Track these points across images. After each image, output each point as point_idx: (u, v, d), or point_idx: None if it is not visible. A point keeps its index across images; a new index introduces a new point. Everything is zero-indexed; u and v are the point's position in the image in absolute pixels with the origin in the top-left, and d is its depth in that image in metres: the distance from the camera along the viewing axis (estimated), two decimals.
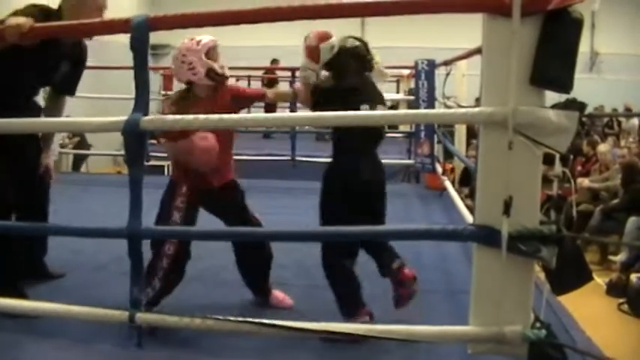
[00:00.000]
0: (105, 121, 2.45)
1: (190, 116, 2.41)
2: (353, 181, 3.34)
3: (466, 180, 8.34)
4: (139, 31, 2.35)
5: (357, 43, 3.51)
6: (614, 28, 17.54)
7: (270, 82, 13.05)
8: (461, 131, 7.79)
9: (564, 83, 2.07)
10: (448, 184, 6.33)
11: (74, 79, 3.80)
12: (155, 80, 12.32)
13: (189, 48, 3.47)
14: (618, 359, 2.16)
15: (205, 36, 3.51)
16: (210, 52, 3.53)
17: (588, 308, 5.28)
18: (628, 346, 5.55)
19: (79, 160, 11.93)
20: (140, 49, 2.38)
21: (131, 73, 2.41)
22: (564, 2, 2.03)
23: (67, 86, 3.81)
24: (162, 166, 9.65)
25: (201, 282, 4.01)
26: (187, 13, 2.40)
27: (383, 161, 3.58)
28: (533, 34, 2.05)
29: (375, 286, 3.85)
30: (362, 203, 3.33)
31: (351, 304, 3.34)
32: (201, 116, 2.38)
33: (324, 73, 3.46)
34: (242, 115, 2.75)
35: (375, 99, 3.38)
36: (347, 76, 3.39)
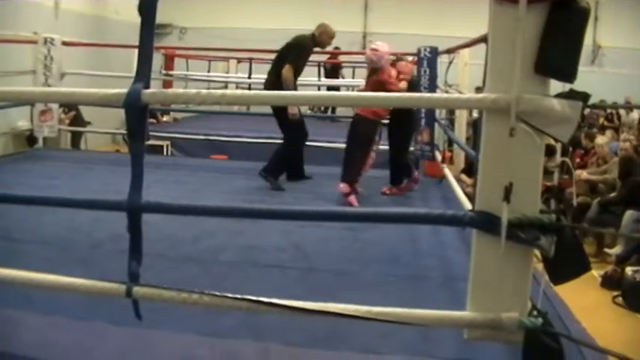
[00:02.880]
0: (106, 92, 2.41)
1: (193, 90, 2.38)
2: None
3: (470, 170, 8.35)
4: None
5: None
6: (618, 21, 17.49)
7: (334, 69, 13.05)
8: (461, 121, 7.79)
9: (568, 72, 2.06)
10: (447, 171, 6.33)
11: None
12: (156, 60, 12.30)
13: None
14: (616, 351, 2.17)
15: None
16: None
17: (583, 300, 5.31)
18: (621, 338, 5.57)
19: (77, 137, 11.90)
20: (147, 14, 2.32)
21: (134, 52, 2.38)
22: None
23: None
24: (162, 147, 9.67)
25: (199, 262, 4.02)
26: None
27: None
28: (539, 22, 2.04)
29: (373, 272, 3.88)
30: None
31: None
32: (204, 91, 2.35)
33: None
34: (244, 91, 2.72)
35: None
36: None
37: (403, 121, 6.28)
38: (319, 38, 6.41)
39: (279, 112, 6.26)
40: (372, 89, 5.52)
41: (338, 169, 5.86)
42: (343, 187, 5.58)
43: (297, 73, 6.30)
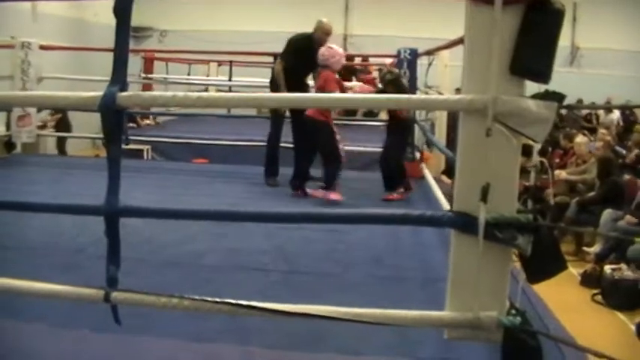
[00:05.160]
0: (81, 96, 2.40)
1: (169, 93, 2.38)
2: None
3: (450, 171, 8.38)
4: None
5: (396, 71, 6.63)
6: (595, 22, 17.66)
7: (349, 72, 12.90)
8: (441, 122, 7.83)
9: (543, 73, 2.08)
10: (427, 172, 6.36)
11: None
12: (135, 63, 12.26)
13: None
14: (593, 349, 2.19)
15: None
16: None
17: (563, 298, 5.35)
18: (601, 336, 5.62)
19: (62, 141, 11.90)
20: (123, 16, 2.31)
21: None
22: None
23: None
24: (142, 151, 9.62)
25: (181, 266, 4.01)
26: None
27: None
28: (514, 24, 2.06)
29: (355, 274, 3.89)
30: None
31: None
32: (180, 93, 2.35)
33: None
34: (221, 94, 2.73)
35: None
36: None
37: (399, 125, 6.39)
38: (315, 35, 6.48)
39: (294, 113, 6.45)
40: (318, 86, 5.91)
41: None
42: (319, 192, 5.69)
43: (295, 70, 6.43)
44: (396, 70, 6.61)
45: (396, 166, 6.28)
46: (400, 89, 6.16)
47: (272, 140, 6.62)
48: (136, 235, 3.96)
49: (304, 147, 6.28)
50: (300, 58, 6.44)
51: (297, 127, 6.38)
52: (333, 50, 6.00)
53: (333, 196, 5.59)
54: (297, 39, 6.62)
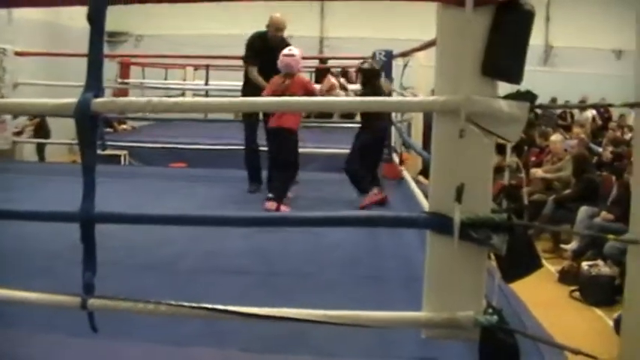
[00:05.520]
0: (55, 102, 2.39)
1: (144, 99, 2.38)
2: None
3: (427, 172, 8.41)
4: (98, 3, 2.27)
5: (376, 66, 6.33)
6: (569, 21, 17.85)
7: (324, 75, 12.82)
8: (417, 123, 7.87)
9: (514, 74, 2.11)
10: (405, 173, 6.39)
11: None
12: (111, 68, 12.20)
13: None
14: (570, 345, 2.21)
15: None
16: None
17: (541, 295, 5.39)
18: (579, 332, 5.68)
19: (42, 147, 11.85)
20: (97, 22, 2.30)
21: None
22: None
23: None
24: (119, 156, 9.57)
25: (159, 270, 4.00)
26: None
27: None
28: (485, 25, 2.08)
29: (333, 275, 3.90)
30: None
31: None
32: (155, 99, 2.35)
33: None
34: (196, 99, 2.73)
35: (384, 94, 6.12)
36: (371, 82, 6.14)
37: (370, 127, 6.18)
38: (269, 32, 6.31)
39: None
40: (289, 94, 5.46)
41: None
42: (270, 205, 5.47)
43: (260, 72, 6.23)
44: (376, 66, 6.37)
45: (354, 171, 5.99)
46: (371, 83, 6.08)
47: (248, 146, 6.46)
48: (113, 239, 3.94)
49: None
50: (261, 59, 6.25)
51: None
52: (297, 57, 5.75)
53: (284, 208, 5.47)
54: (252, 39, 6.43)
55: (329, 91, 5.94)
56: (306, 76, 6.11)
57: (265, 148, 6.11)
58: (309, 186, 6.24)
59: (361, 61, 6.32)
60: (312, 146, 8.22)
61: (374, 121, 6.07)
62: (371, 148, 6.15)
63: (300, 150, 5.94)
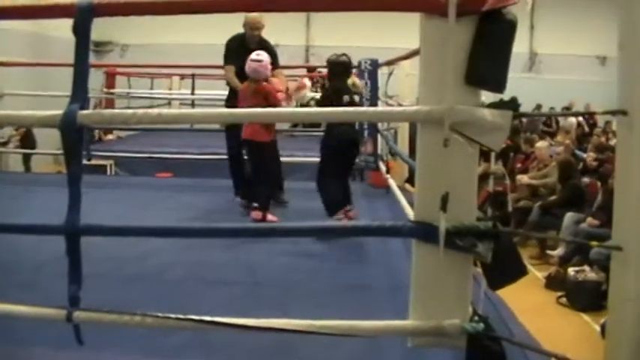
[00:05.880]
0: (41, 115, 2.39)
1: (129, 111, 2.38)
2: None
3: (414, 180, 8.41)
4: (84, 16, 2.29)
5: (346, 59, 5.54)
6: (553, 28, 17.97)
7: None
8: (404, 131, 7.89)
9: (497, 83, 2.12)
10: (392, 181, 6.40)
11: None
12: (97, 78, 12.16)
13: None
14: (557, 350, 2.22)
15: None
16: None
17: (528, 302, 5.42)
18: (566, 338, 5.70)
19: (28, 158, 11.82)
20: (82, 34, 2.32)
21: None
22: (498, 3, 2.08)
23: None
24: (105, 166, 9.54)
25: (145, 281, 3.99)
26: (132, 1, 2.37)
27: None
28: (468, 35, 2.10)
29: (319, 284, 3.89)
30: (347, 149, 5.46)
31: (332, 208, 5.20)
32: (140, 111, 2.35)
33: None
34: (181, 110, 2.73)
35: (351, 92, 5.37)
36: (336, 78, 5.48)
37: (335, 135, 5.42)
38: (246, 33, 6.05)
39: None
40: (256, 101, 5.30)
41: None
42: (256, 214, 5.39)
43: (239, 75, 5.90)
44: (346, 59, 5.56)
45: (321, 187, 5.39)
46: (338, 78, 5.43)
47: (232, 155, 6.30)
48: (98, 250, 3.92)
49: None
50: (239, 60, 5.87)
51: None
52: (265, 62, 5.51)
53: (271, 217, 5.41)
54: (230, 40, 6.20)
55: (298, 89, 5.73)
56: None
57: None
58: (297, 195, 6.23)
59: (331, 54, 5.62)
60: (301, 155, 8.23)
61: (337, 126, 5.30)
62: (336, 158, 5.43)
63: (289, 159, 5.89)
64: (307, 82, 5.91)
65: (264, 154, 5.52)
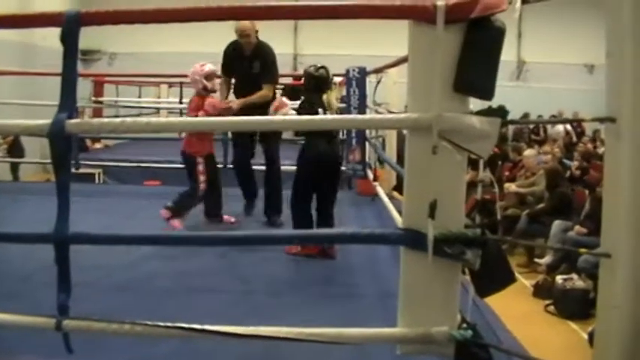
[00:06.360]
0: (29, 124, 2.39)
1: (117, 119, 2.39)
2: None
3: (401, 187, 8.41)
4: (71, 25, 2.30)
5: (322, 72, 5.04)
6: (541, 37, 18.06)
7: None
8: (391, 139, 7.90)
9: (486, 90, 2.13)
10: (380, 189, 6.41)
11: None
12: (85, 86, 12.14)
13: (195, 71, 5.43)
14: (545, 358, 2.23)
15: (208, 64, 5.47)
16: (210, 76, 5.43)
17: (516, 310, 5.43)
18: (554, 345, 5.72)
19: (15, 166, 11.78)
20: (70, 43, 2.32)
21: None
22: (487, 11, 2.09)
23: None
24: (93, 174, 9.51)
25: (133, 290, 3.97)
26: (120, 10, 2.36)
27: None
28: (456, 42, 2.11)
29: (308, 292, 3.89)
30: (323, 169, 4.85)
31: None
32: (129, 119, 2.36)
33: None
34: (169, 119, 2.73)
35: (325, 107, 4.90)
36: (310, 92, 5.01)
37: (314, 150, 4.87)
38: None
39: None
40: (198, 110, 5.29)
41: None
42: (165, 212, 5.31)
43: (237, 79, 5.84)
44: (326, 74, 5.08)
45: (293, 209, 4.95)
46: (317, 92, 4.96)
47: (238, 164, 6.04)
48: (86, 258, 3.91)
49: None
50: (235, 68, 5.76)
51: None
52: (189, 76, 5.48)
53: (176, 224, 5.29)
54: (225, 48, 5.90)
55: (276, 109, 5.29)
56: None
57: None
58: (284, 203, 6.22)
59: (310, 65, 5.17)
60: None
61: (315, 144, 4.81)
62: (312, 182, 4.87)
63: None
64: (286, 100, 5.51)
65: (193, 166, 5.42)
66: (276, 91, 5.85)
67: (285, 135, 7.76)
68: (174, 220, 5.29)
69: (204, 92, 5.42)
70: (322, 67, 5.08)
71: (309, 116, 3.76)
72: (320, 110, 4.81)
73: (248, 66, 5.61)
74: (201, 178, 5.40)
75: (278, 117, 4.50)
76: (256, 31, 5.65)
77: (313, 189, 4.87)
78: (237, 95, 5.78)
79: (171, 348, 3.02)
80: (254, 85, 5.59)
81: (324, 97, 4.93)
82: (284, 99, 5.45)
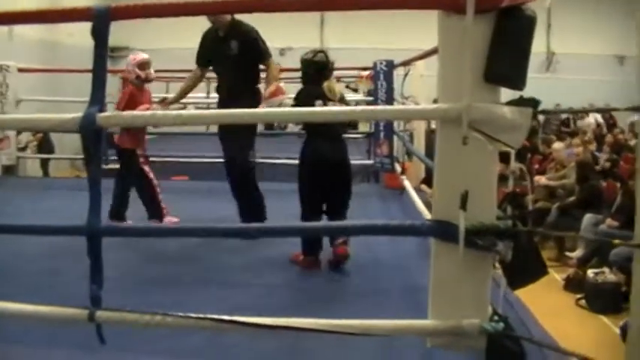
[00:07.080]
0: (61, 118, 2.41)
1: (148, 112, 2.40)
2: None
3: (430, 180, 8.36)
4: (101, 20, 2.32)
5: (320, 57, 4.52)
6: (570, 28, 17.84)
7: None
8: (420, 132, 7.86)
9: (517, 80, 2.11)
10: (407, 183, 6.38)
11: None
12: (113, 83, 12.23)
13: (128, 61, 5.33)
14: (576, 352, 2.20)
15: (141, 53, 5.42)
16: (142, 64, 5.32)
17: (547, 303, 5.37)
18: (585, 340, 5.65)
19: (46, 163, 11.92)
20: (100, 38, 2.34)
21: (88, 76, 2.39)
22: (517, 0, 2.07)
23: None
24: None
25: (161, 285, 3.99)
26: (150, 4, 2.38)
27: None
28: (486, 31, 2.09)
29: (336, 286, 3.88)
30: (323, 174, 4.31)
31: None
32: (159, 112, 2.37)
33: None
34: (200, 111, 2.74)
35: (325, 97, 4.32)
36: (310, 81, 4.49)
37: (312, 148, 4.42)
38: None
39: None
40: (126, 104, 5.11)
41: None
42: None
43: (215, 67, 5.33)
44: (325, 59, 4.54)
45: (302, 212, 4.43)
46: (318, 79, 4.44)
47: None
48: (111, 253, 3.96)
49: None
50: (211, 54, 5.22)
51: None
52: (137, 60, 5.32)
53: (171, 219, 5.32)
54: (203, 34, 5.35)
55: (271, 96, 4.62)
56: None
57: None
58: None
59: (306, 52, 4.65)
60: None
61: (316, 137, 4.38)
62: (311, 181, 4.39)
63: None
64: (283, 87, 4.76)
65: (124, 160, 5.41)
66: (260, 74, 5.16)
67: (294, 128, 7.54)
68: (170, 217, 5.36)
69: (137, 81, 5.29)
70: (321, 50, 4.65)
71: (336, 107, 3.65)
72: (318, 102, 4.26)
73: (226, 47, 4.93)
74: (146, 168, 5.48)
75: (297, 109, 3.84)
76: None
77: (321, 199, 4.37)
78: (220, 84, 5.36)
79: (198, 343, 3.03)
80: (235, 69, 4.94)
81: (325, 84, 4.39)
82: (282, 85, 4.76)
